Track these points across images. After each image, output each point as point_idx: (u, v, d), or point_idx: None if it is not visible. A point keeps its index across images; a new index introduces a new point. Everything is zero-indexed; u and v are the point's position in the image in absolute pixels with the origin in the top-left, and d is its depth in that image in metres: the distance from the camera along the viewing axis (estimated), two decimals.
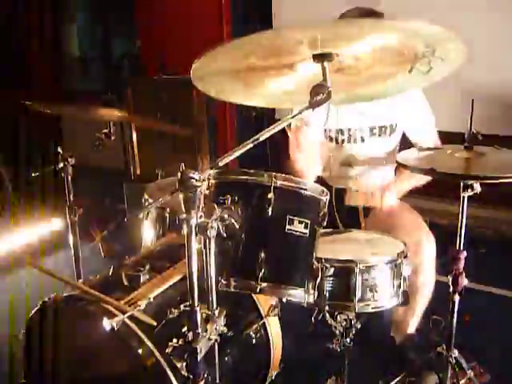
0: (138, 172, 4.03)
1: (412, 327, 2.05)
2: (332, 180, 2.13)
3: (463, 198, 1.56)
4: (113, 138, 2.01)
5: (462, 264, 1.61)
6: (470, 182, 1.52)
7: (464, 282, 1.62)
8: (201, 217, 1.14)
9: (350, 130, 2.13)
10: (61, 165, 1.90)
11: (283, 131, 2.10)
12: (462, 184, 1.54)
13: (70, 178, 1.93)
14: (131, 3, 4.77)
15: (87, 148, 2.00)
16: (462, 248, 1.61)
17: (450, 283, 1.64)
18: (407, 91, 1.85)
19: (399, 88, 1.52)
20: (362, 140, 2.14)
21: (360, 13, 1.95)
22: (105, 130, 2.00)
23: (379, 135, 2.13)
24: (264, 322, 1.72)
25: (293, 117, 1.28)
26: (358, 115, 2.09)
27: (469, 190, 1.53)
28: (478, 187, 1.52)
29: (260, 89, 1.50)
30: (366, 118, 2.10)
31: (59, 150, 1.90)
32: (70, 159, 1.91)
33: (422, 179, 2.03)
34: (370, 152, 2.16)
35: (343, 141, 2.15)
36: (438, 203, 3.39)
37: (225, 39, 4.22)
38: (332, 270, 1.41)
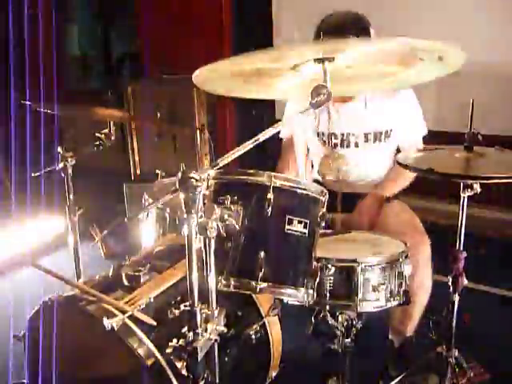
0: (138, 172, 4.03)
1: (410, 330, 2.04)
2: (326, 183, 2.10)
3: (463, 198, 1.56)
4: (113, 137, 2.02)
5: (462, 264, 1.61)
6: (469, 182, 1.52)
7: (464, 281, 1.62)
8: (201, 217, 1.14)
9: (343, 134, 2.09)
10: (61, 165, 1.90)
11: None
12: (461, 184, 1.54)
13: (70, 177, 1.93)
14: (131, 3, 4.77)
15: (87, 148, 2.00)
16: (461, 248, 1.61)
17: (450, 283, 1.64)
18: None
19: (423, 76, 1.50)
20: (356, 145, 2.10)
21: (345, 18, 1.90)
22: (105, 130, 2.01)
23: (374, 142, 2.09)
24: (264, 322, 1.72)
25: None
26: (352, 120, 2.07)
27: (469, 190, 1.54)
28: (477, 187, 1.52)
29: (266, 87, 1.51)
30: (361, 123, 2.07)
31: (59, 149, 1.91)
32: (70, 159, 1.91)
33: (407, 180, 2.05)
34: (364, 158, 2.13)
35: (336, 145, 2.12)
36: (438, 203, 3.39)
37: (224, 39, 4.22)
38: (333, 269, 1.41)
